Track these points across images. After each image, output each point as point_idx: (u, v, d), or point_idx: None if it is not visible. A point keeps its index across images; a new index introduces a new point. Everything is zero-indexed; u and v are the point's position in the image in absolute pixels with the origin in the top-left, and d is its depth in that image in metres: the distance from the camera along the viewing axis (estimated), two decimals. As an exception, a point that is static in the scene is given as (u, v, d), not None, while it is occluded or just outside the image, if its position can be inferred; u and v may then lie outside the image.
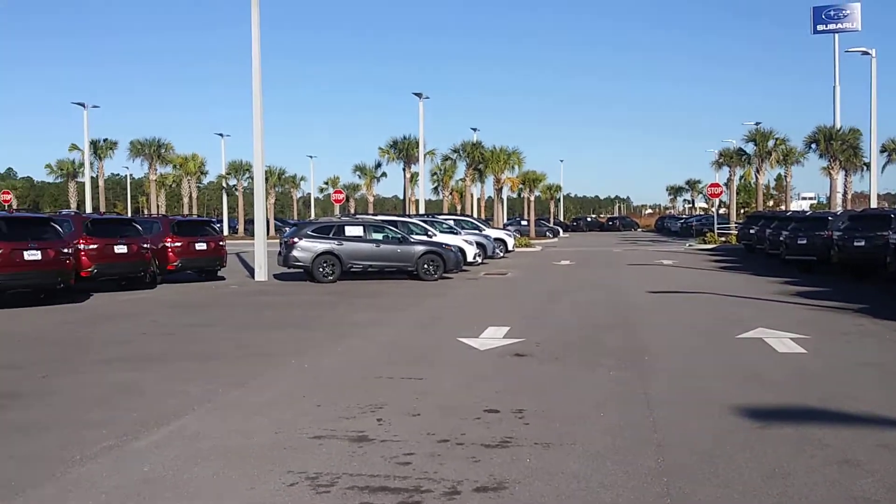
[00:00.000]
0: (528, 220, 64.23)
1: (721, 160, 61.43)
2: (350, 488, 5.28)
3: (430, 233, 26.90)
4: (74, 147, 64.59)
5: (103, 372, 9.39)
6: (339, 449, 6.18)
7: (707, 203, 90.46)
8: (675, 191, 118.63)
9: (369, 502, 5.04)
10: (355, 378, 8.94)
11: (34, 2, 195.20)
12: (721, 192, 52.38)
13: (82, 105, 53.64)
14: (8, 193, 54.48)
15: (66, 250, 16.57)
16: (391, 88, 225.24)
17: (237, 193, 69.95)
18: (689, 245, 44.92)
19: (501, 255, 35.27)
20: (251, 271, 24.77)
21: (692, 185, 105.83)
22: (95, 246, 18.62)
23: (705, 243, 44.76)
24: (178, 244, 22.02)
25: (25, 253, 15.59)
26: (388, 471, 5.63)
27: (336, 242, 22.34)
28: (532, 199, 65.66)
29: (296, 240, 22.46)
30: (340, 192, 61.90)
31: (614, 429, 6.69)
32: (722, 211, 57.10)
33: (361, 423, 6.90)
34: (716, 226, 48.98)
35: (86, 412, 7.44)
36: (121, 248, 19.17)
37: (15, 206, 57.67)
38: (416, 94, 48.05)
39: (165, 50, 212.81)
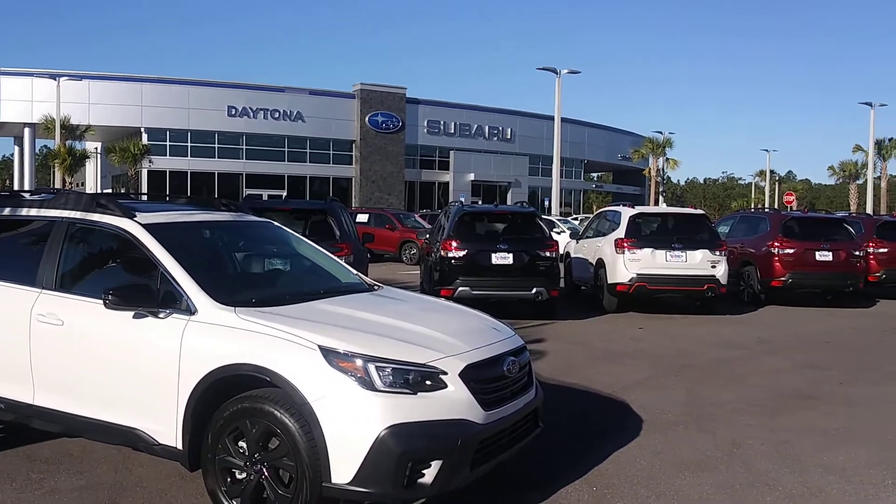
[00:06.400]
0: None
1: None
2: None
3: None
4: (858, 148, 63.08)
5: (903, 387, 8.68)
6: None
7: None
8: None
9: None
10: None
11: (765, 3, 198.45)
12: None
13: (869, 105, 52.38)
14: (791, 195, 56.53)
15: (857, 253, 16.12)
16: None
17: None
18: None
19: None
20: None
21: None
22: (885, 250, 17.65)
23: None
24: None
25: (817, 253, 15.71)
26: None
27: None
28: None
29: None
30: None
31: None
32: None
33: None
34: None
35: (888, 428, 6.92)
36: (911, 254, 17.72)
37: (799, 206, 58.94)
38: None
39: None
